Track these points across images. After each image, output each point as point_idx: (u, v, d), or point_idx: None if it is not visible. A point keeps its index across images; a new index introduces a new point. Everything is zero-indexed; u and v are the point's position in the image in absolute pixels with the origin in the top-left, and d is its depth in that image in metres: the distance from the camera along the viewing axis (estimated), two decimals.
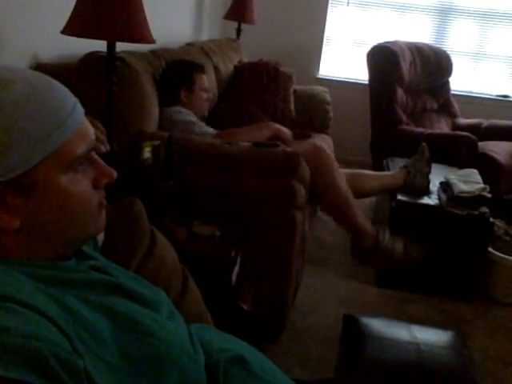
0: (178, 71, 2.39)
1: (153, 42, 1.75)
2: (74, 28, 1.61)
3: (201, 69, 2.47)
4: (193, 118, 2.31)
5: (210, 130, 2.29)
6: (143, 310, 0.79)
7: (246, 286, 1.87)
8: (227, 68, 3.06)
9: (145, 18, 1.69)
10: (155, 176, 1.76)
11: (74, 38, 1.60)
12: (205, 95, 2.47)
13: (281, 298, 1.97)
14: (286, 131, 2.43)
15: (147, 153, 1.73)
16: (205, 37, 3.80)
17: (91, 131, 0.75)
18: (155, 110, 2.03)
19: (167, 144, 1.80)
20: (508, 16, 4.25)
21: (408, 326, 1.52)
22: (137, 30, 1.66)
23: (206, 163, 1.93)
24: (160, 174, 1.78)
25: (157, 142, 1.75)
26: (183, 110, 2.31)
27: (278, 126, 2.42)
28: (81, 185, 0.73)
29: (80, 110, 0.73)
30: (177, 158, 1.83)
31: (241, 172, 1.93)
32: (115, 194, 1.30)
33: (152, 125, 1.99)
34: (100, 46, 1.72)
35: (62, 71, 1.80)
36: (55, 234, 0.74)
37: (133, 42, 1.73)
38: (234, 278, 1.69)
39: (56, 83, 0.73)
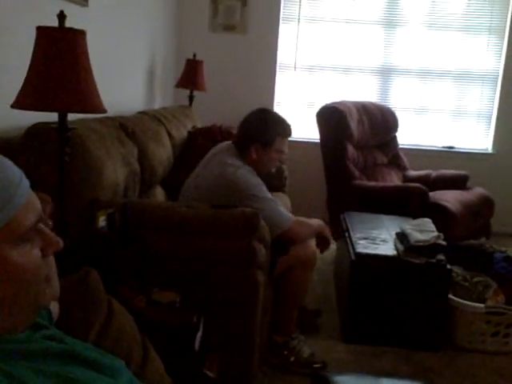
0: (266, 124, 2.31)
1: (104, 111, 1.76)
2: (24, 101, 1.61)
3: (286, 132, 2.36)
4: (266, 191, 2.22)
5: (281, 211, 2.22)
6: (101, 377, 0.77)
7: (210, 352, 1.82)
8: (181, 134, 3.10)
9: (96, 88, 1.71)
10: (111, 244, 1.73)
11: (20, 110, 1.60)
12: (277, 156, 2.39)
13: (247, 362, 1.92)
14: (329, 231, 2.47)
15: (102, 221, 1.71)
16: (157, 105, 3.87)
17: (38, 202, 0.75)
18: (110, 176, 2.01)
19: (122, 211, 1.78)
20: (445, 73, 4.53)
21: (377, 381, 1.50)
22: (88, 100, 1.67)
23: (163, 228, 1.91)
24: (116, 242, 1.75)
25: (111, 210, 1.74)
26: (250, 175, 2.22)
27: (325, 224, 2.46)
28: (30, 255, 0.72)
29: (26, 182, 0.73)
30: (133, 224, 1.81)
31: (200, 234, 1.92)
32: (71, 264, 1.27)
33: (106, 192, 1.98)
34: (45, 116, 1.72)
35: (3, 144, 1.79)
36: (5, 306, 0.71)
37: (84, 112, 1.74)
38: (197, 345, 1.65)
39: (1, 157, 0.72)
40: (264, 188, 2.24)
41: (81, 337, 1.01)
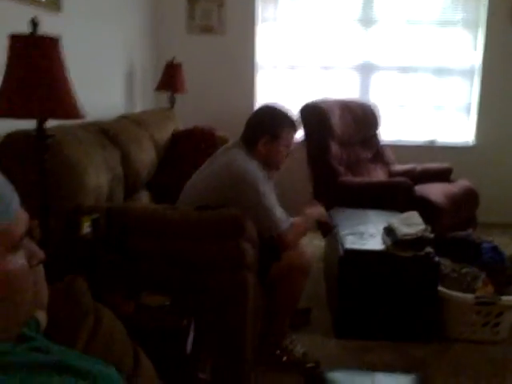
0: (273, 117, 2.31)
1: (83, 117, 1.73)
2: (1, 109, 1.58)
3: (294, 126, 2.36)
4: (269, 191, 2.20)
5: (281, 212, 2.19)
6: None
7: (202, 354, 1.80)
8: (163, 137, 3.07)
9: (73, 94, 1.68)
10: (97, 250, 1.70)
11: None
12: (285, 151, 2.34)
13: (239, 363, 1.91)
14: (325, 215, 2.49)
15: (86, 227, 1.68)
16: (138, 108, 3.83)
17: (25, 214, 0.79)
18: (92, 181, 1.98)
19: (107, 216, 1.76)
20: (424, 68, 4.56)
21: (371, 375, 1.50)
22: (66, 106, 1.65)
23: (149, 232, 1.89)
24: (102, 247, 1.72)
25: (96, 216, 1.71)
26: (257, 170, 2.20)
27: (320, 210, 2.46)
28: (19, 264, 0.76)
29: (16, 194, 0.77)
30: (118, 229, 1.78)
31: (186, 237, 1.90)
32: (56, 272, 1.24)
33: (89, 197, 1.94)
34: (24, 124, 1.69)
35: None
36: None
37: (62, 118, 1.71)
38: (188, 348, 1.62)
39: None
40: (269, 186, 2.23)
41: (69, 345, 0.99)
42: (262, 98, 4.56)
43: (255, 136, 2.29)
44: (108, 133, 2.36)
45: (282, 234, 2.15)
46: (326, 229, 2.46)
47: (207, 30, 4.47)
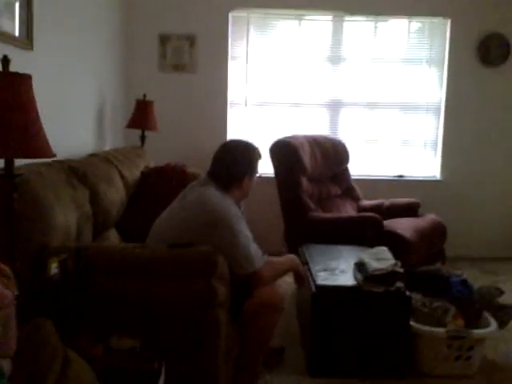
0: (247, 158, 2.32)
1: (52, 156, 1.72)
2: None
3: (260, 155, 2.42)
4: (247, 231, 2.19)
5: (256, 249, 2.17)
6: None
7: None
8: (133, 174, 3.06)
9: (43, 133, 1.67)
10: (65, 292, 1.66)
11: None
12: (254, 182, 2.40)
13: None
14: (303, 269, 2.50)
15: (54, 269, 1.64)
16: (108, 146, 3.81)
17: None
18: (59, 220, 1.95)
19: (75, 256, 1.72)
20: (390, 104, 4.70)
21: None
22: (35, 145, 1.63)
23: (118, 271, 1.85)
24: (70, 289, 1.68)
25: (64, 256, 1.67)
26: (232, 207, 2.20)
27: (298, 261, 2.47)
28: None
29: None
30: (87, 269, 1.74)
31: (157, 276, 1.88)
32: (23, 315, 1.21)
33: (57, 237, 1.91)
34: None
35: None
36: None
37: (32, 157, 1.69)
38: None
39: None
40: (243, 222, 2.21)
41: None
42: (233, 135, 4.60)
43: (235, 179, 2.29)
44: (77, 171, 2.34)
45: (258, 271, 2.13)
46: (301, 282, 2.47)
47: (179, 68, 4.52)
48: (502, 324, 2.63)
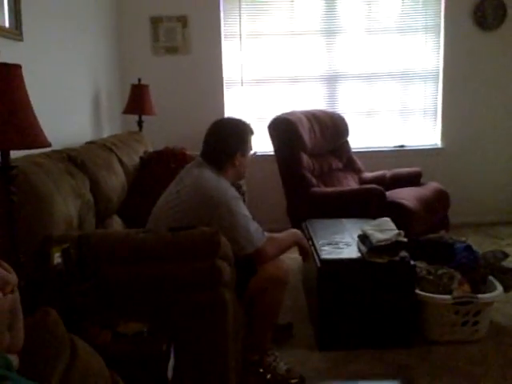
0: (237, 133, 2.31)
1: (48, 145, 1.72)
2: None
3: (252, 130, 2.40)
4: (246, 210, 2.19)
5: (256, 228, 2.18)
6: None
7: (185, 379, 1.78)
8: (133, 160, 3.05)
9: (37, 122, 1.66)
10: (69, 281, 1.67)
11: None
12: (248, 160, 2.38)
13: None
14: (306, 242, 2.51)
15: (57, 258, 1.65)
16: (106, 133, 3.80)
17: None
18: (61, 210, 1.95)
19: (78, 245, 1.73)
20: (388, 75, 4.65)
21: None
22: (30, 135, 1.63)
23: (122, 258, 1.86)
24: (74, 277, 1.69)
25: (66, 245, 1.68)
26: (230, 189, 2.20)
27: (301, 235, 2.48)
28: None
29: None
30: (90, 257, 1.75)
31: (161, 260, 1.88)
32: (28, 305, 1.22)
33: (59, 227, 1.91)
34: None
35: None
36: None
37: (27, 148, 1.69)
38: (170, 374, 1.60)
39: None
40: (241, 203, 2.22)
41: (44, 380, 0.97)
42: (231, 115, 4.57)
43: (227, 156, 2.28)
44: (75, 160, 2.34)
45: (260, 249, 2.14)
46: (306, 255, 2.48)
47: (172, 50, 4.48)
48: (507, 288, 2.64)
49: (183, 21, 4.42)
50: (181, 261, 1.89)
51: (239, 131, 2.34)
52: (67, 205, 2.03)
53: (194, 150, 3.35)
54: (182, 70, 4.49)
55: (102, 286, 1.73)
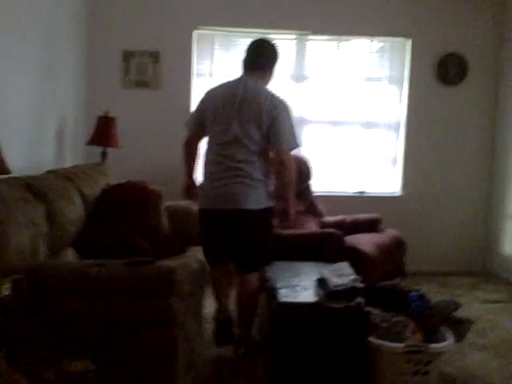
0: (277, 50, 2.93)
1: (8, 172, 1.69)
2: None
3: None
4: None
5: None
6: None
7: None
8: (94, 191, 3.01)
9: None
10: (17, 314, 1.61)
11: None
12: None
13: None
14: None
15: (6, 290, 1.60)
16: (68, 163, 3.75)
17: None
18: (12, 239, 1.90)
19: (29, 276, 1.68)
20: (354, 122, 4.79)
21: None
22: None
23: (74, 291, 1.82)
24: (23, 310, 1.63)
25: (16, 277, 1.63)
26: None
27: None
28: None
29: None
30: (41, 290, 1.71)
31: (114, 295, 1.84)
32: None
33: (9, 257, 1.86)
34: None
35: None
36: None
37: None
38: None
39: None
40: None
41: None
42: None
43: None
44: (33, 188, 2.29)
45: (287, 152, 2.73)
46: (284, 217, 2.81)
47: (142, 84, 4.51)
48: (459, 337, 2.68)
49: (155, 56, 4.47)
50: (134, 297, 1.86)
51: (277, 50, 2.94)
52: (20, 234, 1.98)
53: (157, 184, 3.34)
54: (151, 105, 4.51)
55: (51, 319, 1.68)
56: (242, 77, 2.82)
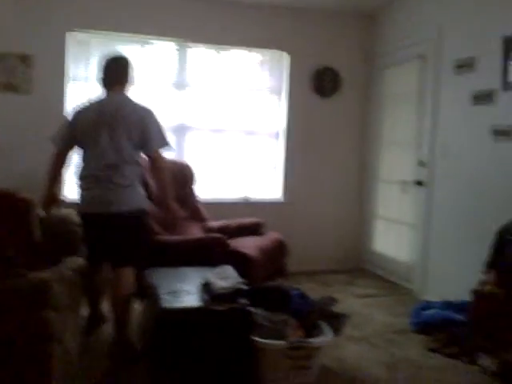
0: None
1: None
2: None
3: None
4: None
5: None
6: None
7: None
8: None
9: None
10: None
11: None
12: None
13: None
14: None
15: None
16: None
17: None
18: None
19: None
20: (236, 130, 4.88)
21: None
22: None
23: None
24: None
25: None
26: None
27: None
28: None
29: None
30: None
31: None
32: None
33: None
34: None
35: None
36: None
37: None
38: None
39: None
40: None
41: None
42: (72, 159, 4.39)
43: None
44: None
45: (157, 151, 2.86)
46: (168, 212, 2.99)
47: (11, 88, 4.22)
48: (336, 331, 2.82)
49: (27, 59, 4.22)
50: (7, 311, 1.73)
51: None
52: None
53: (28, 192, 3.13)
54: (21, 110, 4.25)
55: None
56: (105, 94, 2.92)
